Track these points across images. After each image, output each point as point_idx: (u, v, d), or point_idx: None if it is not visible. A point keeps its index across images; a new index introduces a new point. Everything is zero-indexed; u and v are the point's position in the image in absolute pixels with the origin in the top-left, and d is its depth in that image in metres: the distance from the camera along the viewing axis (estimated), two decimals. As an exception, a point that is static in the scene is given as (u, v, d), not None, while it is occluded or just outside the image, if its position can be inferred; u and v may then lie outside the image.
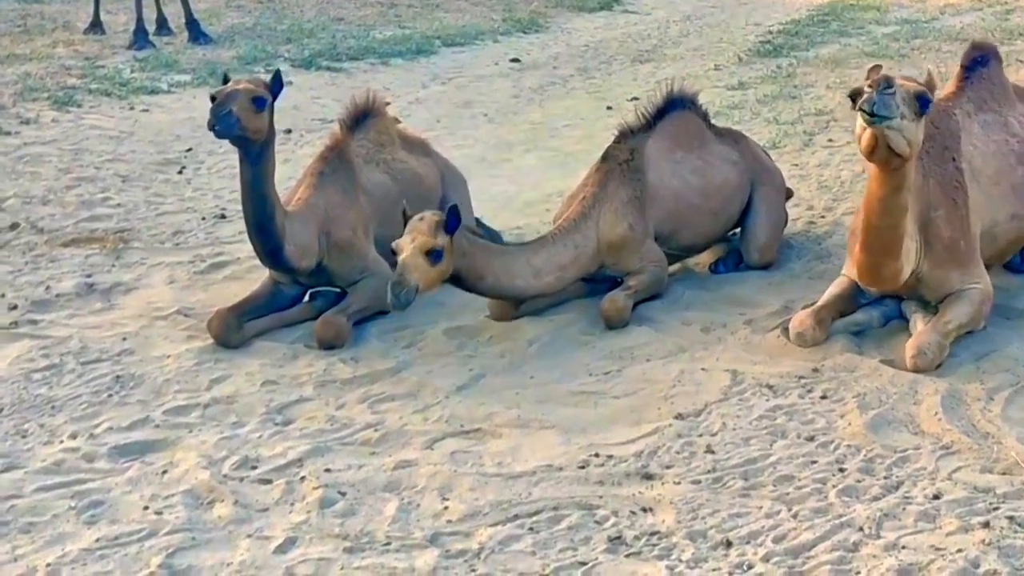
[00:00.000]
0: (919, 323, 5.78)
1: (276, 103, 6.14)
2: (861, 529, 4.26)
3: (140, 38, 15.08)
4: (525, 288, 6.14)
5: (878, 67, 5.31)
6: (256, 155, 6.05)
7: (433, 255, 5.67)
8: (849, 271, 5.99)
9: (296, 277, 6.43)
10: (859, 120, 5.16)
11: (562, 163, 9.51)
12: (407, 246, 5.66)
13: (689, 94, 7.03)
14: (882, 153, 5.20)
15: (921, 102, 5.20)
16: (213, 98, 6.00)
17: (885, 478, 4.62)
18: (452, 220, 5.73)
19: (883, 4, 19.25)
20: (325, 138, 7.14)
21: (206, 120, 5.94)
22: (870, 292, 6.00)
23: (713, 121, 7.27)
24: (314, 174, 6.62)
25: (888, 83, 5.03)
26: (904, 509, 4.39)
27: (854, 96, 5.10)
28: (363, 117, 6.94)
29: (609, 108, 11.89)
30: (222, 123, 5.88)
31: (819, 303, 6.01)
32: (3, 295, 6.86)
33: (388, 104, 7.75)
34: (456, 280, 5.94)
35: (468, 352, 6.02)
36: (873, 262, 5.61)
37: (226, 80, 6.19)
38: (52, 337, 6.28)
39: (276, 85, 6.13)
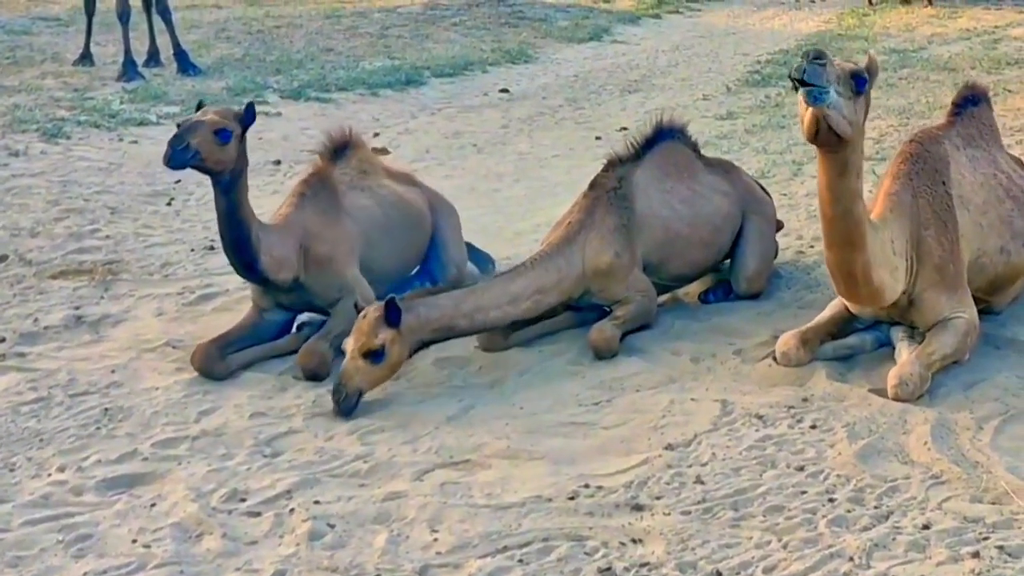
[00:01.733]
0: (904, 352, 5.80)
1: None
2: (851, 559, 4.26)
3: (129, 69, 15.09)
4: (502, 317, 6.14)
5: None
6: (227, 184, 6.07)
7: (373, 356, 5.70)
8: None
9: (275, 294, 6.41)
10: (800, 102, 5.18)
11: (551, 193, 9.52)
12: (348, 349, 5.72)
13: (678, 124, 7.06)
14: (824, 135, 5.20)
15: (857, 81, 5.23)
16: (178, 126, 6.02)
17: (875, 508, 4.62)
18: (392, 313, 5.73)
19: (871, 34, 19.38)
20: (307, 167, 7.14)
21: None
22: (862, 316, 6.02)
23: (702, 151, 7.29)
24: (296, 195, 6.66)
25: (819, 54, 5.08)
26: (894, 539, 4.38)
27: (792, 76, 5.14)
28: (343, 148, 6.98)
29: (598, 138, 11.92)
30: (175, 157, 5.90)
31: (807, 325, 6.05)
32: (-9, 327, 6.85)
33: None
34: (427, 345, 6.01)
35: (457, 383, 6.01)
36: (840, 258, 5.56)
37: (200, 107, 6.20)
38: (40, 369, 6.26)
39: (247, 116, 6.12)
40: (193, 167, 6.00)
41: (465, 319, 6.02)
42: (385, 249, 6.78)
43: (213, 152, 5.96)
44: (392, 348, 5.74)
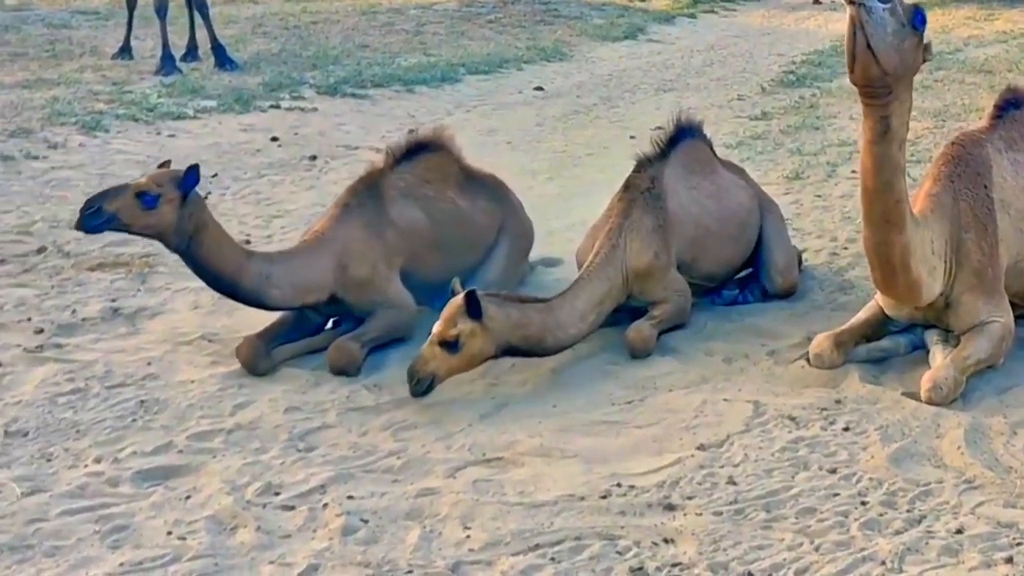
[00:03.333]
0: (938, 356, 5.79)
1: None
2: (883, 563, 4.26)
3: (167, 64, 15.19)
4: (577, 335, 6.14)
5: None
6: (178, 248, 6.07)
7: (449, 345, 5.68)
8: (878, 296, 6.00)
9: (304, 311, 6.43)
10: (846, 34, 5.07)
11: (585, 192, 9.53)
12: (431, 334, 5.72)
13: (696, 122, 7.10)
14: (863, 59, 5.07)
15: (916, 14, 5.14)
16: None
17: (908, 512, 4.61)
18: (472, 305, 5.71)
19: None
20: (362, 169, 7.08)
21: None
22: (897, 318, 6.00)
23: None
24: (339, 206, 6.59)
25: None
26: (927, 543, 4.38)
27: None
28: (417, 150, 6.85)
29: (632, 137, 11.89)
30: (85, 222, 5.89)
31: (842, 327, 6.04)
32: (29, 319, 6.90)
33: (411, 132, 7.83)
34: (516, 351, 5.96)
35: (491, 380, 6.03)
36: (879, 238, 5.51)
37: (192, 174, 6.00)
38: (77, 361, 6.32)
39: (188, 179, 5.96)
40: (119, 231, 6.01)
41: (551, 335, 6.00)
42: (431, 262, 6.64)
43: (138, 217, 5.89)
44: (470, 340, 5.71)
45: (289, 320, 6.45)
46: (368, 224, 6.49)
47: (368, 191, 6.61)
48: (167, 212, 5.92)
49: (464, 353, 5.73)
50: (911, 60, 5.22)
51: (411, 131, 6.90)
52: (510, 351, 5.93)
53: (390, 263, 6.49)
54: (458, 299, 5.75)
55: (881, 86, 5.18)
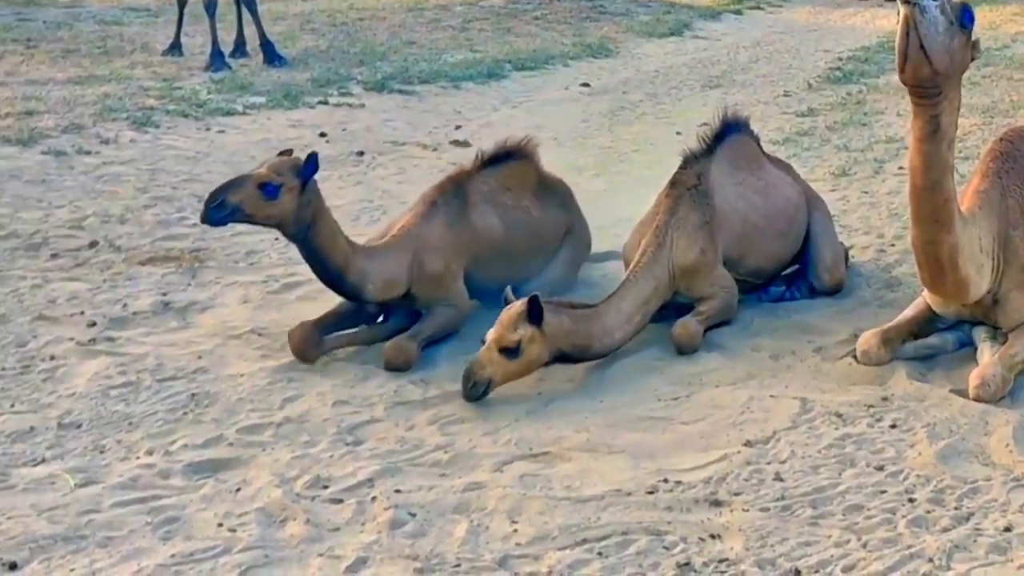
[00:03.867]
0: (986, 353, 5.76)
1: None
2: (931, 560, 4.25)
3: (216, 60, 15.30)
4: (623, 338, 6.15)
5: None
6: (296, 236, 6.13)
7: (509, 351, 5.69)
8: (925, 293, 5.99)
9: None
10: (898, 26, 5.07)
11: (631, 188, 9.53)
12: (487, 339, 5.72)
13: (742, 118, 7.10)
14: (915, 59, 5.08)
15: (964, 12, 5.14)
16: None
17: (955, 509, 4.60)
18: (534, 311, 5.72)
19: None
20: (451, 169, 7.06)
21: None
22: (945, 315, 5.98)
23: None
24: (426, 202, 6.65)
25: None
26: (975, 541, 4.37)
27: None
28: (503, 157, 6.93)
29: (679, 134, 11.88)
30: (210, 215, 5.97)
31: (889, 324, 6.03)
32: (82, 312, 6.99)
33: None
34: (565, 358, 5.97)
35: (537, 376, 6.03)
36: (927, 238, 5.50)
37: (312, 163, 6.04)
38: (129, 354, 6.39)
39: (308, 167, 6.03)
40: (241, 223, 6.09)
41: (598, 341, 6.01)
42: (496, 267, 6.67)
43: (260, 208, 5.96)
44: (530, 346, 5.73)
45: (343, 311, 6.50)
46: (450, 224, 6.56)
47: (455, 191, 6.69)
48: (288, 201, 5.97)
49: (523, 359, 5.74)
50: (960, 59, 5.23)
51: (500, 142, 6.99)
52: (559, 357, 5.95)
53: (460, 263, 6.56)
54: (518, 305, 5.76)
55: (932, 86, 5.18)
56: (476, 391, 5.67)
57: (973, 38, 5.26)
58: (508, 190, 6.91)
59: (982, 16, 21.31)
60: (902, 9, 5.01)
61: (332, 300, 6.57)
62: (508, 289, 6.03)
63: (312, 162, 6.05)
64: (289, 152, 6.35)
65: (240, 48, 16.39)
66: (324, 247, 6.14)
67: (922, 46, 5.04)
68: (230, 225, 8.68)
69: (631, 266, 6.38)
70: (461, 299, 6.52)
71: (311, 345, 6.21)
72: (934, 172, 5.34)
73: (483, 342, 5.78)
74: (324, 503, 4.83)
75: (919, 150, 5.34)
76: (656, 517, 4.62)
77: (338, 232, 6.24)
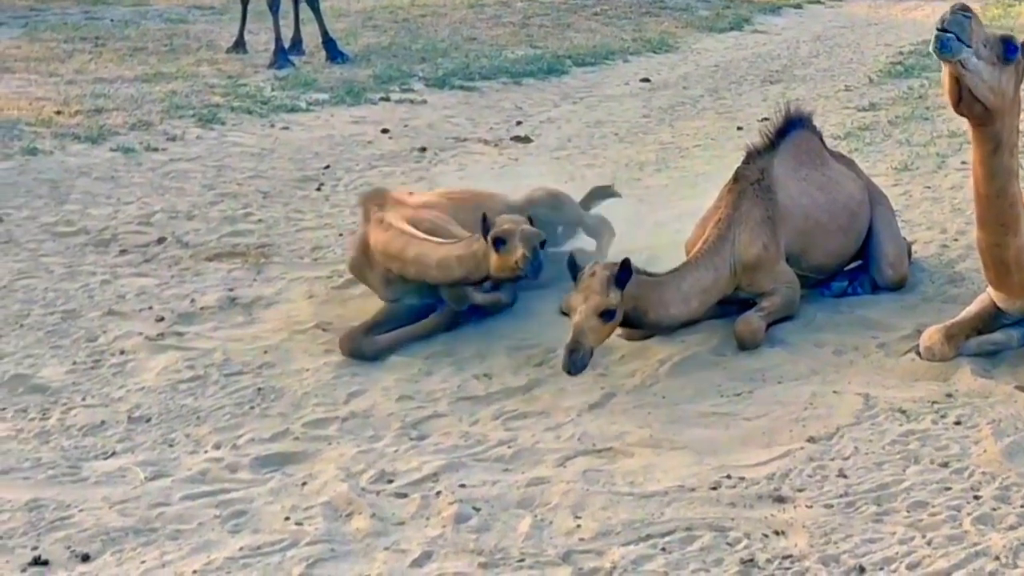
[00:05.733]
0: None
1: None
2: (997, 558, 4.23)
3: (280, 57, 15.44)
4: (678, 316, 6.17)
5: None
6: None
7: (606, 315, 5.72)
8: (989, 289, 5.95)
9: (406, 289, 6.59)
10: (944, 69, 5.08)
11: (692, 183, 9.52)
12: (580, 307, 5.71)
13: (805, 113, 7.08)
14: (966, 101, 5.10)
15: (1007, 47, 5.12)
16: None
17: (1022, 507, 4.57)
18: (623, 274, 5.76)
19: (1016, 25, 18.91)
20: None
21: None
22: (1010, 311, 5.94)
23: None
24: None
25: (964, 7, 4.98)
26: (1041, 539, 4.35)
27: (936, 27, 5.02)
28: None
29: (740, 129, 11.87)
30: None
31: (953, 320, 5.99)
32: (151, 307, 7.09)
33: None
34: (624, 322, 5.99)
35: (599, 371, 6.05)
36: (993, 240, 5.49)
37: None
38: (197, 349, 6.48)
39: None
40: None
41: (653, 310, 6.05)
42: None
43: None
44: (619, 310, 5.78)
45: (391, 310, 6.58)
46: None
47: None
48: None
49: (614, 322, 5.79)
50: (1012, 89, 5.25)
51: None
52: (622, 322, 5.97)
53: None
54: (603, 268, 5.79)
55: (987, 118, 5.18)
56: (583, 361, 5.64)
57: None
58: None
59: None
60: (945, 67, 5.03)
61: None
62: (571, 253, 6.05)
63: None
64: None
65: (297, 45, 16.51)
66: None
67: (971, 92, 5.08)
68: (293, 220, 8.86)
69: (692, 252, 6.40)
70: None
71: (361, 349, 6.28)
72: (999, 180, 5.34)
73: (564, 313, 5.79)
74: (389, 497, 4.87)
75: (982, 162, 5.34)
76: (719, 513, 4.62)
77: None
